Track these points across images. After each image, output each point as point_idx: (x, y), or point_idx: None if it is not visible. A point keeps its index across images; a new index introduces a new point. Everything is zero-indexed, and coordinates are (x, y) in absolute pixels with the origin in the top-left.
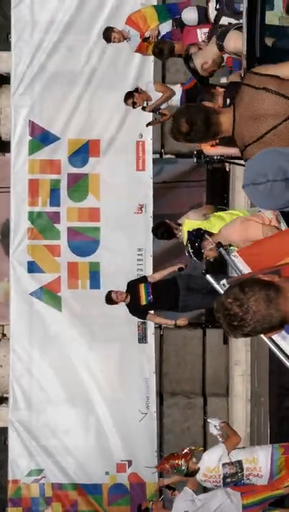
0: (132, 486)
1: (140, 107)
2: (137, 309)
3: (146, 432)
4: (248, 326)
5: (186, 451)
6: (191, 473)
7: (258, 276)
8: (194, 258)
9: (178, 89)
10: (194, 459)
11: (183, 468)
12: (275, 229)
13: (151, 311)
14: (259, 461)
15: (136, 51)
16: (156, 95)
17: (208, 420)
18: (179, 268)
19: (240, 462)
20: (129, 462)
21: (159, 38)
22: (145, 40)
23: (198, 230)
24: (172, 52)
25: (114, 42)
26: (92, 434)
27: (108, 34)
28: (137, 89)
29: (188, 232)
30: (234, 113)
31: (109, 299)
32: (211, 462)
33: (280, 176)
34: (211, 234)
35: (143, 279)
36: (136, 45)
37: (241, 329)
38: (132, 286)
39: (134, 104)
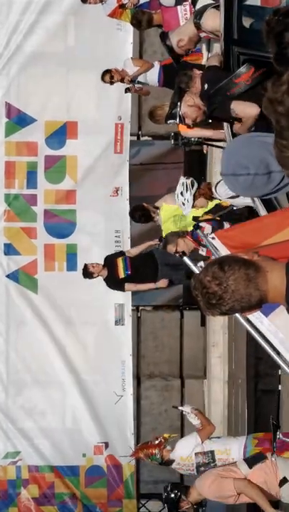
0: (109, 468)
1: (118, 83)
2: (114, 282)
3: (122, 414)
4: (226, 304)
5: (159, 439)
6: (166, 461)
7: (237, 255)
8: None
9: (156, 65)
10: (168, 447)
11: (157, 457)
12: (247, 482)
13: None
14: (232, 452)
15: (109, 15)
16: (134, 71)
17: (180, 408)
18: (160, 238)
19: (212, 452)
20: (106, 444)
21: (137, 5)
22: (122, 6)
23: (176, 489)
24: (151, 22)
25: (89, 3)
26: (69, 416)
27: None
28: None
29: (165, 487)
30: None
31: (86, 272)
32: (184, 451)
33: (262, 169)
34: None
35: (120, 253)
36: (111, 9)
37: (219, 308)
38: (110, 260)
39: (111, 79)
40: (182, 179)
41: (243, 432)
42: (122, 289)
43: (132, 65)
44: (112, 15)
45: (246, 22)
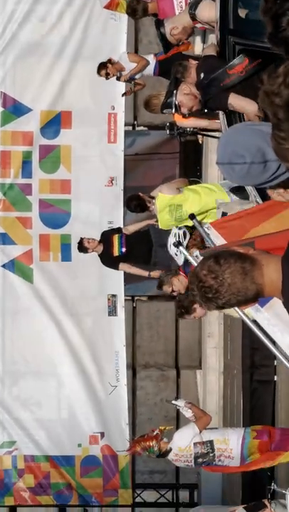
0: (105, 458)
1: (114, 78)
2: (109, 260)
3: (116, 404)
4: (222, 298)
5: (156, 432)
6: (164, 453)
7: (233, 248)
8: None
9: (151, 60)
10: (165, 439)
11: (155, 449)
12: None
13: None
14: (230, 442)
15: (105, 7)
16: (129, 66)
17: (173, 402)
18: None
19: (211, 442)
20: (102, 434)
21: None
22: None
23: None
24: (146, 11)
25: None
26: (65, 406)
27: None
28: (109, 61)
29: None
30: None
31: (81, 247)
32: (183, 442)
33: (259, 157)
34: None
35: (118, 229)
36: (107, 2)
37: (216, 301)
38: (106, 236)
39: (107, 75)
40: (174, 230)
41: (239, 423)
42: (116, 267)
43: (127, 60)
44: (108, 7)
45: (242, 12)
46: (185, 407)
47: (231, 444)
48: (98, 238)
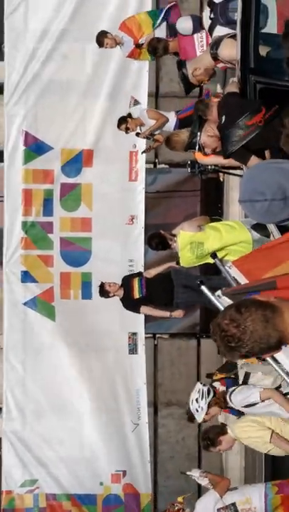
0: (127, 497)
1: (133, 132)
2: (130, 303)
3: (138, 442)
4: (245, 346)
5: (176, 506)
6: None
7: (253, 297)
8: None
9: (172, 118)
10: (188, 509)
11: None
12: None
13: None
14: (253, 500)
15: (127, 56)
16: (149, 122)
17: (188, 473)
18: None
19: (234, 505)
20: (124, 472)
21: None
22: (138, 46)
23: None
24: (166, 50)
25: (106, 47)
26: (86, 444)
27: (101, 39)
28: (129, 115)
29: None
30: None
31: (102, 291)
32: (206, 511)
33: (279, 195)
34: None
35: (138, 273)
36: (128, 51)
37: (239, 350)
38: (126, 281)
39: (127, 130)
40: (198, 386)
41: (261, 459)
42: (137, 310)
43: (146, 117)
44: (131, 56)
45: (263, 51)
46: (200, 477)
47: (254, 502)
48: (119, 278)
